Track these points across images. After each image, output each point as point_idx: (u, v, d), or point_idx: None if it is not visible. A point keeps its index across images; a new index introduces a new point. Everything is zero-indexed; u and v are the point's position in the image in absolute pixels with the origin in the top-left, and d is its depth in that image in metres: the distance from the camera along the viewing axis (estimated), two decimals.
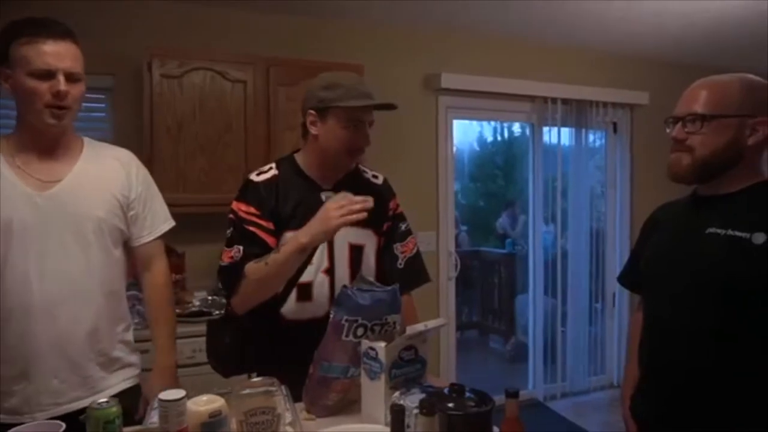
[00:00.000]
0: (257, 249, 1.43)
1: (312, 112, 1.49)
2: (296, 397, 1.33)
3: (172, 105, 2.55)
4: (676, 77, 3.92)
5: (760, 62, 3.26)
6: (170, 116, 2.55)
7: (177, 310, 1.76)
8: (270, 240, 1.45)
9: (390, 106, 1.50)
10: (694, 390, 1.20)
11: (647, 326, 1.35)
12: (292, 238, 1.37)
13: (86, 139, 1.49)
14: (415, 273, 1.64)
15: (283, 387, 1.29)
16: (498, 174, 7.43)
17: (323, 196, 1.51)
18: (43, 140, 1.38)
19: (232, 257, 1.44)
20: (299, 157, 1.57)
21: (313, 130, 1.49)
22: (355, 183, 1.58)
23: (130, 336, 1.52)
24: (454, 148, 3.78)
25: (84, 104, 2.62)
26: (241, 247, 1.43)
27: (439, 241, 3.51)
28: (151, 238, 1.52)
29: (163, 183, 2.56)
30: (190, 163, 2.58)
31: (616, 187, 4.12)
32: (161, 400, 1.03)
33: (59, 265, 1.34)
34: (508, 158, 7.13)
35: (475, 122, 6.98)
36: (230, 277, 1.44)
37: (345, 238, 1.50)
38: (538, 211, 3.85)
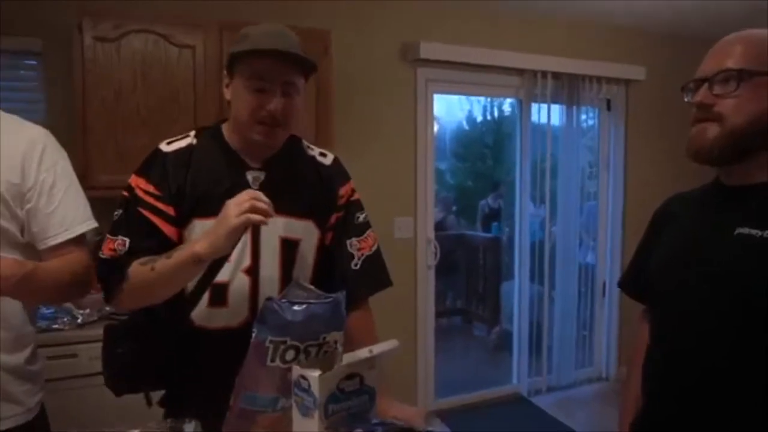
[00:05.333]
0: (149, 242, 1.14)
1: (225, 72, 1.20)
2: (212, 430, 1.06)
3: (108, 73, 2.24)
4: (676, 51, 3.71)
5: None
6: (106, 85, 2.23)
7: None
8: (169, 230, 1.16)
9: (301, 59, 1.16)
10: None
11: (654, 346, 1.09)
12: (187, 245, 1.08)
13: None
14: (375, 276, 1.35)
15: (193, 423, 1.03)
16: (487, 153, 7.19)
17: (249, 176, 1.22)
18: None
19: (114, 250, 1.14)
20: (225, 127, 1.27)
21: (226, 95, 1.21)
22: (294, 161, 1.29)
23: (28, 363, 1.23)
24: (436, 126, 3.50)
25: (11, 72, 2.40)
26: (126, 240, 1.14)
27: (417, 227, 3.24)
28: (60, 240, 1.19)
29: (100, 162, 2.31)
30: (130, 139, 2.26)
31: (609, 168, 3.87)
32: None
33: None
34: (498, 137, 6.88)
35: (464, 100, 6.74)
36: (108, 275, 1.14)
37: (275, 230, 1.21)
38: (525, 193, 3.60)
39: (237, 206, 1.01)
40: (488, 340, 4.93)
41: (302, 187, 1.28)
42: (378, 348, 1.00)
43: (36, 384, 1.25)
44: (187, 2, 2.56)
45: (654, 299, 1.14)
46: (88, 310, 2.03)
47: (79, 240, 1.22)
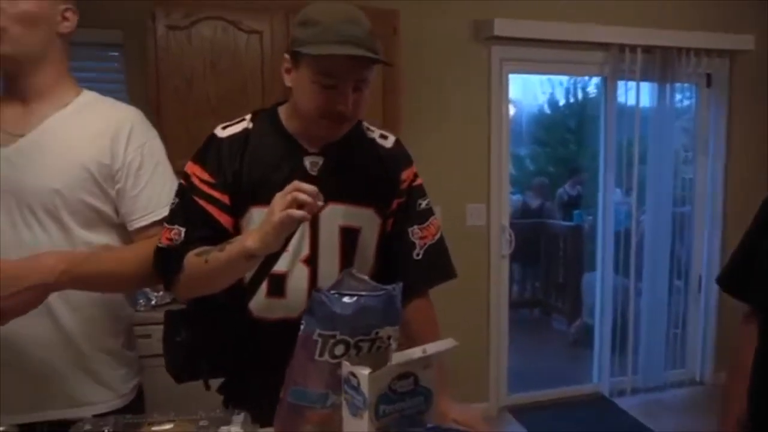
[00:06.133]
0: (204, 231, 1.10)
1: (286, 56, 1.13)
2: (266, 421, 1.03)
3: (179, 61, 2.28)
4: None
5: None
6: (178, 74, 2.29)
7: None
8: (224, 219, 1.13)
9: (377, 61, 1.08)
10: None
11: (763, 356, 0.92)
12: (240, 238, 1.04)
13: (88, 93, 1.21)
14: (438, 266, 1.27)
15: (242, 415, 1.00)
16: (569, 138, 6.83)
17: (307, 162, 1.17)
18: (8, 85, 1.14)
19: (170, 240, 1.12)
20: (283, 110, 1.22)
21: (287, 81, 1.14)
22: (354, 145, 1.22)
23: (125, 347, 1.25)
24: (512, 108, 3.32)
25: (95, 63, 2.52)
26: (182, 229, 1.11)
27: (490, 214, 3.10)
28: (144, 222, 1.18)
29: (173, 149, 2.35)
30: (201, 126, 2.29)
31: (708, 152, 3.50)
32: None
33: (5, 250, 1.08)
34: (582, 120, 6.51)
35: (546, 83, 6.43)
36: (166, 264, 1.12)
37: (334, 218, 1.15)
38: (610, 179, 3.35)
39: (280, 200, 0.96)
40: (567, 334, 4.70)
41: (362, 172, 1.22)
42: (432, 347, 0.91)
43: (132, 368, 1.26)
44: None
45: (764, 299, 0.97)
46: (161, 293, 2.10)
47: (164, 222, 1.20)
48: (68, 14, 1.16)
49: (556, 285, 5.20)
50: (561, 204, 5.49)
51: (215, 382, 1.28)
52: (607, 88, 3.28)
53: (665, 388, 3.44)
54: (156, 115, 2.26)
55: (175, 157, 1.28)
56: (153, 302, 2.11)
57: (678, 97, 3.40)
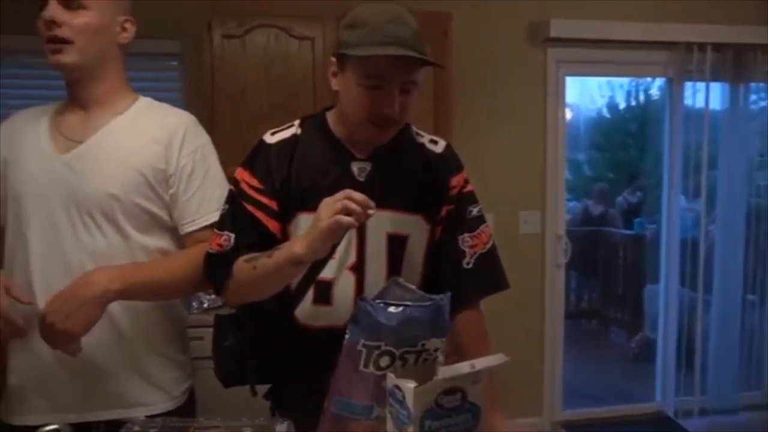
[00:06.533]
0: (254, 238, 1.10)
1: (333, 59, 1.12)
2: (311, 430, 1.01)
3: (234, 69, 2.34)
4: None
5: None
6: (232, 82, 2.33)
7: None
8: (272, 225, 1.12)
9: (425, 62, 1.05)
10: None
11: None
12: (288, 244, 1.03)
13: (144, 99, 1.25)
14: (489, 276, 1.22)
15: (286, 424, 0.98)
16: (630, 143, 6.55)
17: (355, 167, 1.15)
18: (72, 91, 1.19)
19: (220, 245, 1.12)
20: (331, 115, 1.20)
21: (333, 84, 1.13)
22: (403, 150, 1.20)
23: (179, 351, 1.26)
24: (569, 112, 3.20)
25: (153, 73, 2.61)
26: (232, 235, 1.11)
27: (545, 221, 2.99)
28: (195, 227, 1.19)
29: (227, 156, 2.40)
30: (254, 133, 2.32)
31: None
32: None
33: (63, 252, 1.12)
34: (643, 124, 6.23)
35: (605, 86, 6.20)
36: (216, 270, 1.12)
37: (381, 225, 1.13)
38: (675, 185, 3.16)
39: (329, 207, 0.95)
40: (627, 348, 4.47)
41: (410, 178, 1.19)
42: (481, 362, 0.86)
43: (185, 371, 1.28)
44: None
45: None
46: (213, 296, 2.14)
47: (213, 227, 1.21)
48: (127, 25, 1.20)
49: (615, 296, 4.99)
50: (621, 211, 5.26)
51: (262, 388, 1.28)
52: (673, 90, 3.11)
53: (738, 411, 3.19)
54: (211, 123, 2.32)
55: (228, 163, 1.29)
56: (205, 305, 2.15)
57: (753, 98, 3.18)
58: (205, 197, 1.20)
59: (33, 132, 1.17)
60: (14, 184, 1.14)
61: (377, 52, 1.02)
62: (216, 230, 1.14)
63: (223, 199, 1.19)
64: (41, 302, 1.08)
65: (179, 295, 1.25)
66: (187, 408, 1.26)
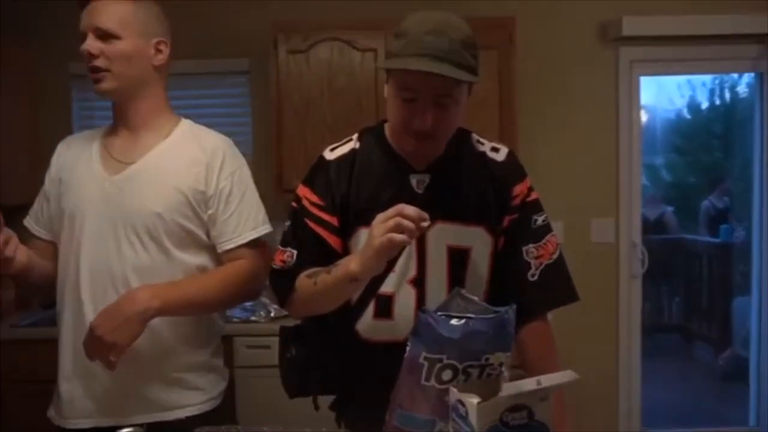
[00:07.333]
0: (316, 254, 1.12)
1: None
2: None
3: (299, 83, 2.40)
4: None
5: None
6: (297, 96, 2.40)
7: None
8: (334, 241, 1.13)
9: (457, 81, 1.02)
10: None
11: None
12: (345, 261, 1.03)
13: (185, 121, 1.33)
14: (557, 288, 1.17)
15: None
16: (714, 144, 6.12)
17: (413, 180, 1.13)
18: (117, 115, 1.28)
19: (283, 261, 1.15)
20: (389, 127, 1.19)
21: (385, 93, 1.12)
22: (462, 160, 1.17)
23: (213, 357, 1.33)
24: (644, 114, 3.04)
25: (222, 90, 2.72)
26: (294, 252, 1.14)
27: (619, 229, 2.84)
28: (232, 245, 1.25)
29: (292, 168, 2.48)
30: (318, 146, 2.37)
31: None
32: None
33: (109, 265, 1.20)
34: (729, 125, 5.81)
35: (684, 85, 5.84)
36: (280, 285, 1.16)
37: (441, 238, 1.11)
38: (766, 189, 2.91)
39: (381, 225, 0.95)
40: (715, 365, 4.15)
41: (471, 189, 1.16)
42: (548, 380, 0.82)
43: (219, 374, 1.33)
44: (371, 2, 2.55)
45: None
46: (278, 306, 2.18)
47: (251, 245, 1.27)
48: (161, 46, 1.26)
49: (700, 309, 4.66)
50: (708, 218, 4.90)
51: (326, 400, 1.28)
52: (764, 86, 2.89)
53: None
54: (277, 138, 2.39)
55: (293, 177, 1.34)
56: (272, 314, 2.20)
57: None
58: (242, 217, 1.26)
59: (86, 154, 1.27)
60: (69, 204, 1.24)
61: (407, 65, 1.02)
62: (280, 246, 1.18)
63: (259, 218, 1.27)
64: (88, 312, 1.17)
65: (214, 311, 1.31)
66: (225, 410, 1.33)
